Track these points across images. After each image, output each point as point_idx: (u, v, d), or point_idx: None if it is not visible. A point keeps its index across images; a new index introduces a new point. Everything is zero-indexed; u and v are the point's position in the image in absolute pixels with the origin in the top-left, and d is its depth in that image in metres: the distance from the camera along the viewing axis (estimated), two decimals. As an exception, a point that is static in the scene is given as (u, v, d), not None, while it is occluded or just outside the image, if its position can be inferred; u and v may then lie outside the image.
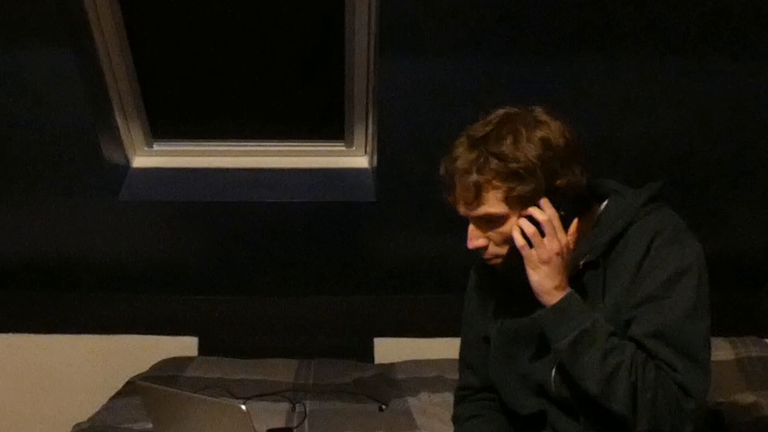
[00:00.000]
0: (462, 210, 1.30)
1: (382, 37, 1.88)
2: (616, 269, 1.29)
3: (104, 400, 2.25)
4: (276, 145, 2.37)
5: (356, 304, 2.61)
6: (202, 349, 2.61)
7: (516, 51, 1.88)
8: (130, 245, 2.47)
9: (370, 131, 2.27)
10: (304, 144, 2.38)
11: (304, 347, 2.57)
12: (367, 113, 2.24)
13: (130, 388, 2.28)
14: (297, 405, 2.13)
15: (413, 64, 1.90)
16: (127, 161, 2.34)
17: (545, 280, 1.25)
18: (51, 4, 1.76)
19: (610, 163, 1.82)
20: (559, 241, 1.24)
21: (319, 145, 2.38)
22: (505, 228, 1.28)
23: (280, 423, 2.04)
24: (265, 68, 2.24)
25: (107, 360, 2.60)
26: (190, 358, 2.52)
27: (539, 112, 1.28)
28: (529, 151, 1.23)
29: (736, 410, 1.98)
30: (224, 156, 2.37)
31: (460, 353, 1.59)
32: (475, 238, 1.31)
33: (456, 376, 1.62)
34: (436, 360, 2.45)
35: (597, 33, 1.84)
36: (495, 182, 1.24)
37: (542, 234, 1.24)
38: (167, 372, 2.39)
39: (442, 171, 1.31)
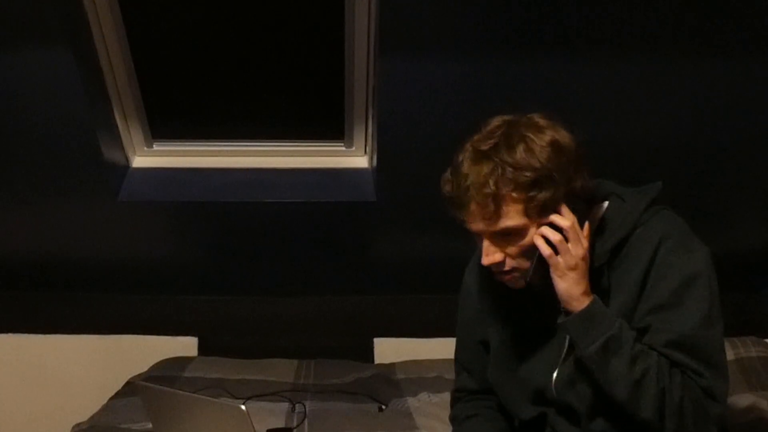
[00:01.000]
0: (479, 227, 1.23)
1: (382, 37, 1.88)
2: (620, 275, 1.28)
3: (104, 400, 2.24)
4: (276, 145, 2.37)
5: (356, 304, 2.61)
6: (202, 350, 2.61)
7: (516, 51, 1.88)
8: (130, 245, 2.47)
9: (369, 131, 2.27)
10: (304, 144, 2.37)
11: (304, 347, 2.57)
12: (366, 113, 2.24)
13: (130, 388, 2.27)
14: (297, 405, 2.12)
15: (413, 64, 1.90)
16: (127, 161, 2.34)
17: (573, 287, 1.22)
18: (51, 4, 1.76)
19: (609, 163, 1.81)
20: (582, 246, 1.22)
21: (319, 145, 2.38)
22: (525, 240, 1.23)
23: (279, 423, 2.03)
24: (264, 68, 2.24)
25: (107, 360, 2.60)
26: (189, 359, 2.51)
27: (537, 118, 1.24)
28: (544, 156, 1.18)
29: (736, 410, 1.97)
30: (224, 156, 2.37)
31: (456, 356, 1.58)
32: (492, 254, 1.25)
33: (455, 377, 1.62)
34: (436, 360, 2.45)
35: (597, 33, 1.84)
36: (514, 194, 1.19)
37: (566, 240, 1.21)
38: (167, 372, 2.39)
39: (448, 189, 1.24)
